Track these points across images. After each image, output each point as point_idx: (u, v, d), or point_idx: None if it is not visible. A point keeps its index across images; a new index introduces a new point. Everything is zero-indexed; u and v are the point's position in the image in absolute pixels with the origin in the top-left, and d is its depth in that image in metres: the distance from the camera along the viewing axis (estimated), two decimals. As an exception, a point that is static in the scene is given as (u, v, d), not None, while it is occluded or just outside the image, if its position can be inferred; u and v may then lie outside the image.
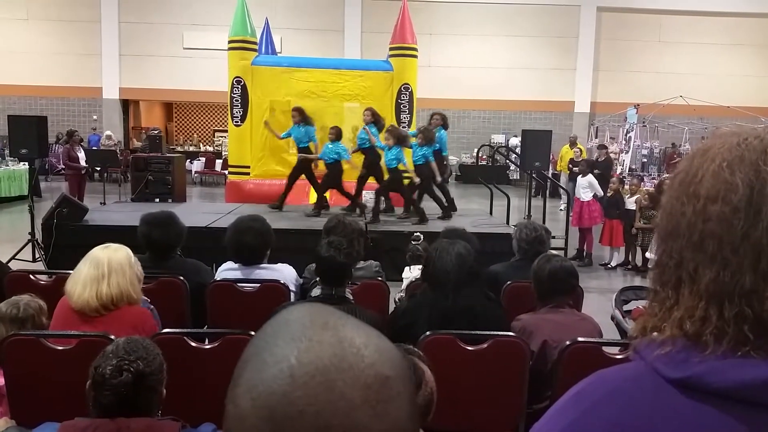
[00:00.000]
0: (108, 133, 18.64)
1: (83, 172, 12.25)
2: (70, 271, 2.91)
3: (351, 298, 3.16)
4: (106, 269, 2.79)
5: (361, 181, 8.85)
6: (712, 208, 0.71)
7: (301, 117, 9.07)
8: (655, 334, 0.74)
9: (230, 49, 11.52)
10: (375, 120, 8.75)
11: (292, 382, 0.52)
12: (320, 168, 9.11)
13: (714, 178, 0.71)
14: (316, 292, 3.08)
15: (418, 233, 5.25)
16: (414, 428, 0.56)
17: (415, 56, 11.61)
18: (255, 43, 11.83)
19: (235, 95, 11.37)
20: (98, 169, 14.36)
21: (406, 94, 11.37)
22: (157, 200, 10.28)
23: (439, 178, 8.46)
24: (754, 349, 0.67)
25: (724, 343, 0.68)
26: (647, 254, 8.53)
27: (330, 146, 8.73)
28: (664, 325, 0.73)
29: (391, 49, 11.76)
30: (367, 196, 8.98)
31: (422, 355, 2.04)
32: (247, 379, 0.55)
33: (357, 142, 9.13)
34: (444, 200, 8.81)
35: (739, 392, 0.66)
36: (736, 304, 0.68)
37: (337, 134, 8.81)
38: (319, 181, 9.01)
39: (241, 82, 11.35)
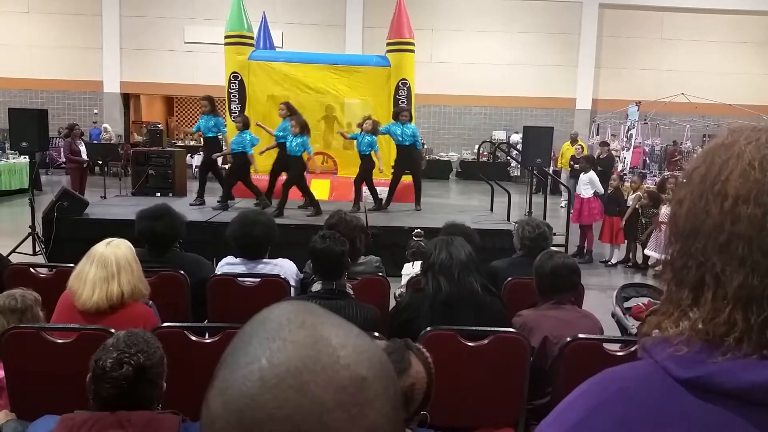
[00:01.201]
0: (105, 126, 18.60)
1: (84, 165, 12.24)
2: (71, 265, 2.89)
3: (351, 292, 3.16)
4: (114, 268, 2.74)
5: (273, 176, 8.77)
6: (742, 209, 0.68)
7: (211, 107, 9.10)
8: (658, 332, 0.73)
9: (227, 44, 11.46)
10: (291, 113, 8.55)
11: (261, 385, 0.50)
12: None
13: (743, 178, 0.69)
14: (317, 287, 3.07)
15: (419, 230, 5.24)
16: (395, 431, 0.54)
17: (412, 51, 11.48)
18: (252, 38, 11.75)
19: (232, 91, 11.33)
20: (99, 163, 14.34)
21: (404, 89, 11.26)
22: (158, 194, 10.23)
23: (382, 168, 8.66)
24: None
25: (744, 347, 0.66)
26: (646, 251, 8.53)
27: (237, 136, 8.54)
28: (678, 325, 0.71)
29: (388, 44, 11.66)
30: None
31: (420, 349, 2.00)
32: (220, 381, 0.53)
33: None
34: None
35: (750, 393, 0.64)
36: (764, 309, 0.66)
37: (244, 123, 8.65)
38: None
39: (238, 77, 11.30)
